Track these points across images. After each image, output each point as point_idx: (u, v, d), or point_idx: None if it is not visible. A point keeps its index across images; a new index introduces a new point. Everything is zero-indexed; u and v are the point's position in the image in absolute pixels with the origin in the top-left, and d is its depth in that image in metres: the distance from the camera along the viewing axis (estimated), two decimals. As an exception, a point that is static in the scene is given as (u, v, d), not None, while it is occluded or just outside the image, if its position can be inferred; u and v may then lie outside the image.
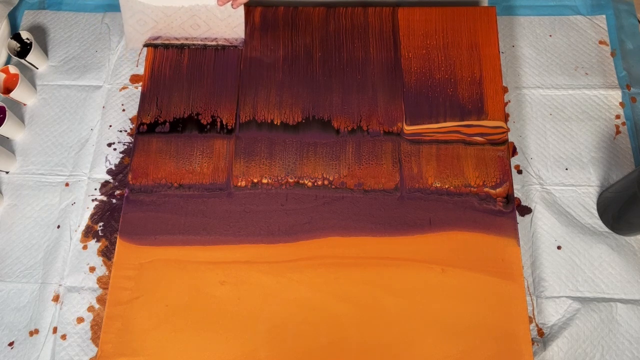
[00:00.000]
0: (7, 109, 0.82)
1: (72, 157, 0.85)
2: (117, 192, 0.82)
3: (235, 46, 0.82)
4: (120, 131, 0.86)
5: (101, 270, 0.77)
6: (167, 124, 0.80)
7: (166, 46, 0.85)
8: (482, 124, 0.79)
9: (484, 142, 0.77)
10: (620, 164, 0.81)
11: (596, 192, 0.80)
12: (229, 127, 0.80)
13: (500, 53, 0.86)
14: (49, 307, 0.75)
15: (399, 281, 0.70)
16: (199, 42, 0.84)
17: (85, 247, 0.78)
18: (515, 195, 0.79)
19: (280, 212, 0.75)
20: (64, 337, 0.74)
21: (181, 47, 0.85)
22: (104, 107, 0.88)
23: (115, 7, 0.95)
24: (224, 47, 0.84)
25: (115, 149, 0.85)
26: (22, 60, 0.88)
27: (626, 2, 0.92)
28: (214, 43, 0.83)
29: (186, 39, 0.83)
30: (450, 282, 0.70)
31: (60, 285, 0.77)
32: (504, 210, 0.74)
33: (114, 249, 0.73)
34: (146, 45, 0.86)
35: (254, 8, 0.87)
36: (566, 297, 0.74)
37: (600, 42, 0.89)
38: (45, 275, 0.77)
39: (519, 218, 0.78)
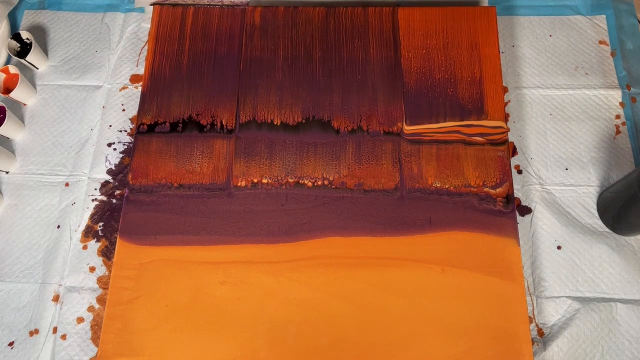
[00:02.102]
0: (7, 109, 0.82)
1: (72, 157, 0.85)
2: (117, 192, 0.82)
3: (239, 5, 0.82)
4: (120, 131, 0.86)
5: (101, 270, 0.77)
6: (167, 124, 0.80)
7: (173, 4, 0.85)
8: (482, 124, 0.79)
9: (484, 142, 0.77)
10: (620, 164, 0.81)
11: (596, 192, 0.80)
12: (229, 127, 0.80)
13: (500, 53, 0.86)
14: (49, 307, 0.75)
15: (399, 281, 0.70)
16: (205, 2, 0.83)
17: (85, 247, 0.78)
18: (515, 195, 0.79)
19: (280, 212, 0.75)
20: (64, 337, 0.74)
21: (187, 6, 0.85)
22: (104, 107, 0.88)
23: (115, 7, 0.96)
24: (228, 6, 0.84)
25: (115, 149, 0.85)
26: (22, 60, 0.88)
27: (626, 2, 0.92)
28: (219, 3, 0.82)
29: None
30: (450, 282, 0.70)
31: (60, 285, 0.77)
32: (504, 210, 0.74)
33: (114, 249, 0.73)
34: (153, 4, 0.86)
35: (254, 8, 0.87)
36: (566, 297, 0.74)
37: (600, 42, 0.89)
38: (45, 275, 0.77)
39: (519, 218, 0.78)
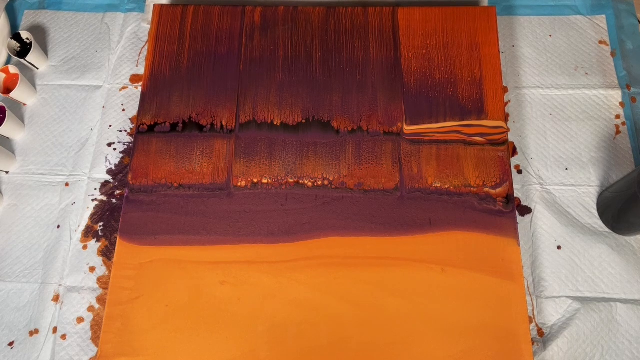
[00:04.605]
0: (7, 109, 0.82)
1: (72, 157, 0.85)
2: (117, 192, 0.82)
3: None
4: (120, 131, 0.86)
5: (101, 270, 0.77)
6: (167, 124, 0.80)
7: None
8: (482, 124, 0.78)
9: (484, 142, 0.77)
10: (620, 164, 0.81)
11: (596, 192, 0.80)
12: (229, 127, 0.80)
13: (500, 53, 0.86)
14: (49, 307, 0.75)
15: (399, 281, 0.70)
16: None
17: (85, 247, 0.78)
18: (515, 195, 0.79)
19: (280, 212, 0.75)
20: (64, 337, 0.74)
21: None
22: (104, 107, 0.88)
23: (115, 7, 0.96)
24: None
25: (115, 149, 0.85)
26: (22, 60, 0.88)
27: (626, 2, 0.92)
28: None
29: None
30: (450, 282, 0.70)
31: (60, 285, 0.77)
32: (504, 210, 0.74)
33: (114, 249, 0.73)
34: None
35: (254, 8, 0.87)
36: (566, 297, 0.74)
37: (600, 42, 0.89)
38: (45, 275, 0.77)
39: (519, 218, 0.78)
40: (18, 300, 0.77)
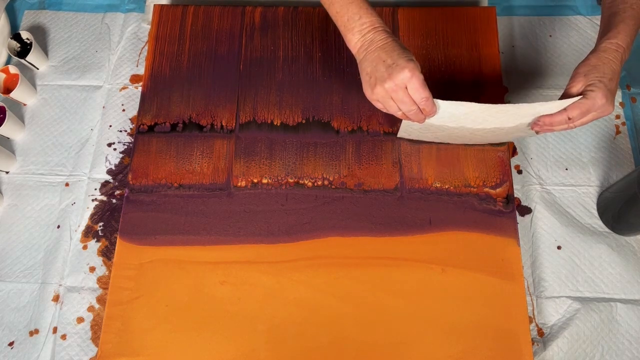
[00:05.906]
0: (7, 109, 0.82)
1: (72, 157, 0.85)
2: (117, 192, 0.82)
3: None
4: (120, 131, 0.86)
5: (101, 270, 0.77)
6: (167, 124, 0.80)
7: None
8: (482, 124, 0.78)
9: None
10: (620, 164, 0.81)
11: (596, 192, 0.80)
12: (229, 128, 0.80)
13: (500, 53, 0.86)
14: (49, 307, 0.75)
15: (399, 281, 0.70)
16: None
17: (85, 247, 0.78)
18: (515, 195, 0.79)
19: (280, 212, 0.75)
20: (64, 337, 0.74)
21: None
22: (104, 107, 0.88)
23: (115, 7, 0.96)
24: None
25: (115, 149, 0.85)
26: (22, 60, 0.88)
27: (626, 2, 0.92)
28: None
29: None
30: (450, 282, 0.70)
31: (60, 285, 0.77)
32: (504, 210, 0.74)
33: (114, 249, 0.73)
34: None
35: (254, 8, 0.87)
36: (566, 297, 0.74)
37: (600, 42, 0.89)
38: (45, 275, 0.77)
39: (519, 218, 0.78)
40: (18, 300, 0.77)
